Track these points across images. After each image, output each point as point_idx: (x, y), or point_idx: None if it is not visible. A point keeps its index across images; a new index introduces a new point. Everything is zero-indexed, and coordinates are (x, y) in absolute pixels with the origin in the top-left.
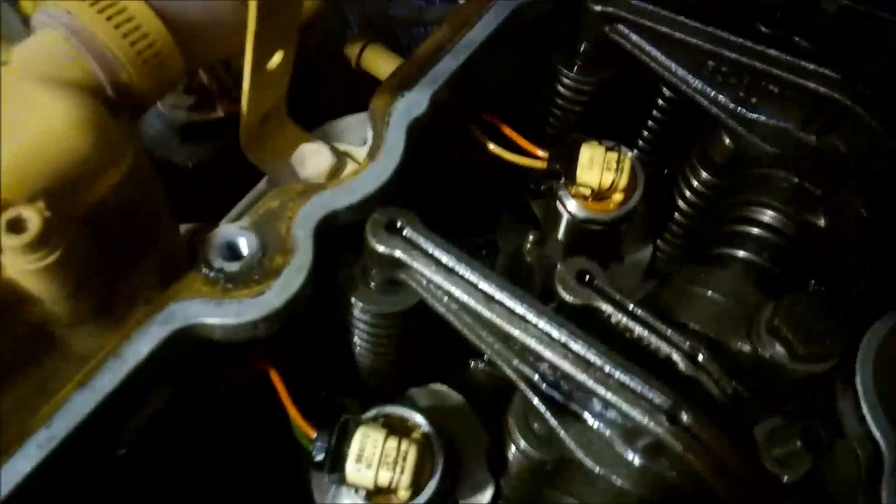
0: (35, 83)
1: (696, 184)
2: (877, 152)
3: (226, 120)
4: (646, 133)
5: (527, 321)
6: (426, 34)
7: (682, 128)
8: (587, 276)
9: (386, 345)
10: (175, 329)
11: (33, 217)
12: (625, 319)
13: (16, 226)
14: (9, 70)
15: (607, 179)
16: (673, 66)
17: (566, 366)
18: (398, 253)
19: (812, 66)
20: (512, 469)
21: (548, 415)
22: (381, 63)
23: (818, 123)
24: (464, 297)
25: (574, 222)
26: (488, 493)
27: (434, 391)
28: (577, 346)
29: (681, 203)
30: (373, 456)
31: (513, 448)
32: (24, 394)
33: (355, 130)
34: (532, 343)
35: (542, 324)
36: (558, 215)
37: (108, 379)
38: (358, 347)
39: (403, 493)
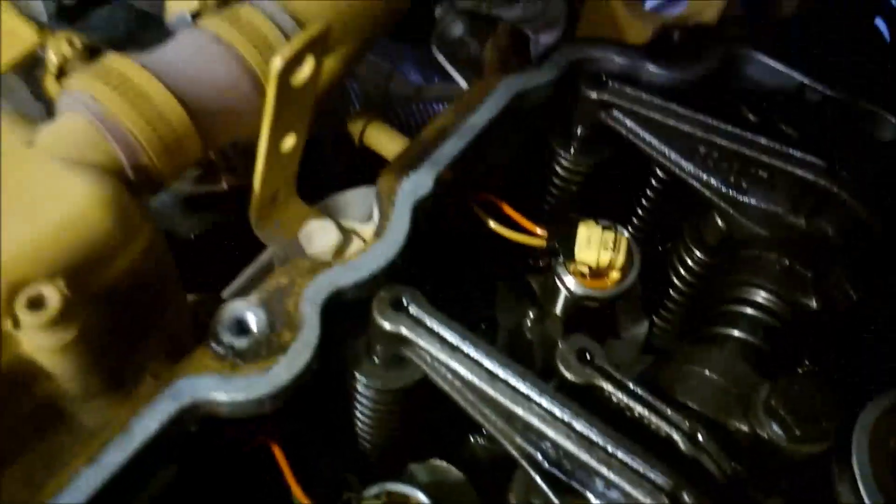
0: (59, 164)
1: (689, 263)
2: (862, 236)
3: (229, 193)
4: (641, 211)
5: (530, 400)
6: (424, 111)
7: (676, 207)
8: (588, 355)
9: (388, 419)
10: (184, 405)
11: (53, 295)
12: (625, 399)
13: (36, 303)
14: (35, 151)
15: (605, 258)
16: (666, 150)
17: (569, 445)
18: (403, 330)
19: (798, 154)
20: None
21: (550, 493)
22: (383, 140)
23: (806, 208)
24: (467, 375)
25: (572, 299)
26: None
27: (434, 467)
28: (579, 426)
29: (675, 281)
30: None
31: None
32: (32, 468)
33: (358, 204)
34: (535, 421)
35: (545, 402)
36: (557, 291)
37: (117, 455)
38: (360, 421)
39: None
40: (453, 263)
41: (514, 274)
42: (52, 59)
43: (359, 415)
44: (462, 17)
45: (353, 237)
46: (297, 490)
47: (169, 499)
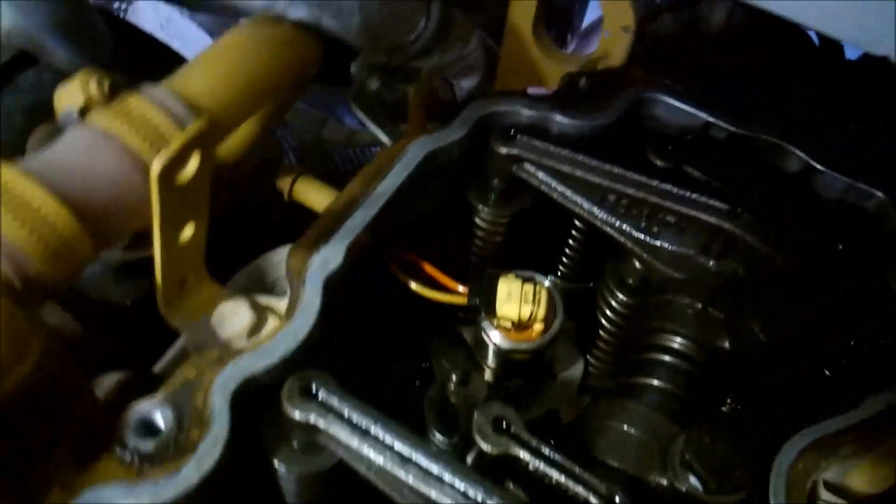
0: None
1: (613, 304)
2: (769, 275)
3: None
4: (567, 253)
5: (442, 481)
6: (360, 155)
7: (599, 248)
8: (504, 423)
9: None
10: None
11: None
12: (542, 466)
13: None
14: None
15: (525, 312)
16: (578, 199)
17: None
18: (313, 418)
19: (703, 199)
20: None
21: None
22: (312, 194)
23: (715, 250)
24: (379, 460)
25: (500, 352)
26: None
27: None
28: (491, 501)
29: (603, 321)
30: None
31: None
32: None
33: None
34: (448, 503)
35: (458, 483)
36: (485, 345)
37: None
38: None
39: None
40: (381, 323)
41: (444, 327)
42: None
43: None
44: (377, 72)
45: (268, 315)
46: None
47: None
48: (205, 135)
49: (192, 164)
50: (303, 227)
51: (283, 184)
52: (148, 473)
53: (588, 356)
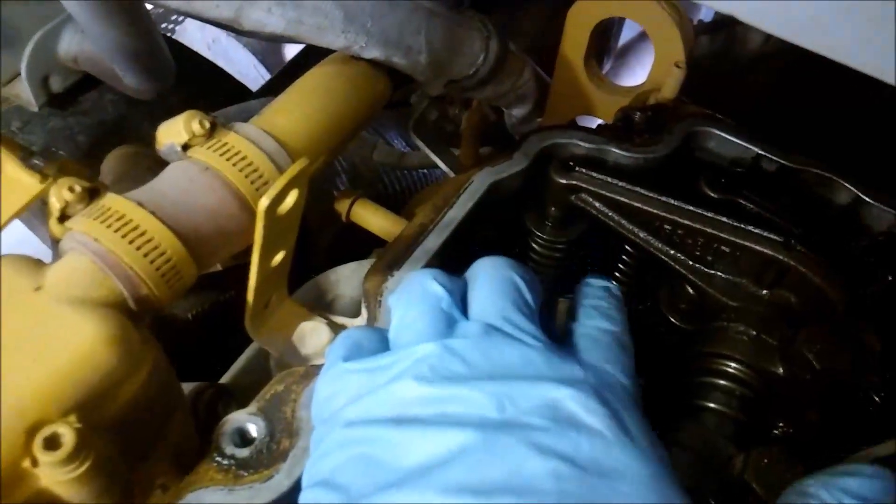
0: (66, 305)
1: (665, 328)
2: (822, 305)
3: (225, 272)
4: (620, 278)
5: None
6: (408, 176)
7: (652, 273)
8: None
9: None
10: None
11: (67, 433)
12: None
13: (52, 443)
14: (42, 295)
15: None
16: (634, 228)
17: None
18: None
19: (756, 230)
20: None
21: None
22: (369, 216)
23: (768, 280)
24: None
25: None
26: None
27: None
28: None
29: (656, 344)
30: None
31: None
32: None
33: (348, 280)
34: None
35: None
36: None
37: None
38: None
39: None
40: None
41: None
42: (55, 203)
43: None
44: (435, 103)
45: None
46: None
47: None
48: (302, 174)
49: (290, 199)
50: (350, 249)
51: (342, 206)
52: (244, 479)
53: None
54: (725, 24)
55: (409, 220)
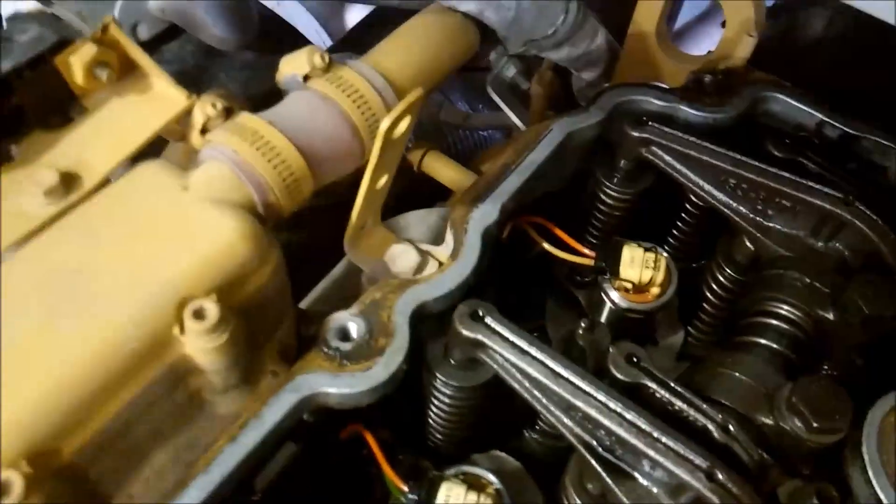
0: (209, 204)
1: (721, 279)
2: (874, 260)
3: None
4: (677, 233)
5: (588, 394)
6: (471, 137)
7: (709, 229)
8: (635, 359)
9: (459, 415)
10: (303, 396)
11: (212, 307)
12: (667, 395)
13: (199, 314)
14: (190, 194)
15: (646, 276)
16: (700, 181)
17: (621, 431)
18: (480, 337)
19: (816, 186)
20: None
21: (603, 474)
22: (440, 167)
23: (825, 233)
24: (535, 374)
25: (616, 311)
26: None
27: (494, 456)
28: (630, 416)
29: (709, 295)
30: None
31: None
32: (178, 449)
33: (416, 226)
34: (592, 412)
35: (601, 396)
36: (602, 304)
37: (253, 436)
38: (433, 417)
39: None
40: (509, 282)
41: (556, 292)
42: (198, 118)
43: (433, 411)
44: (514, 60)
45: (428, 259)
46: (387, 469)
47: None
48: (416, 103)
49: (403, 125)
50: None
51: (414, 156)
52: (347, 368)
53: (689, 328)
54: (787, 9)
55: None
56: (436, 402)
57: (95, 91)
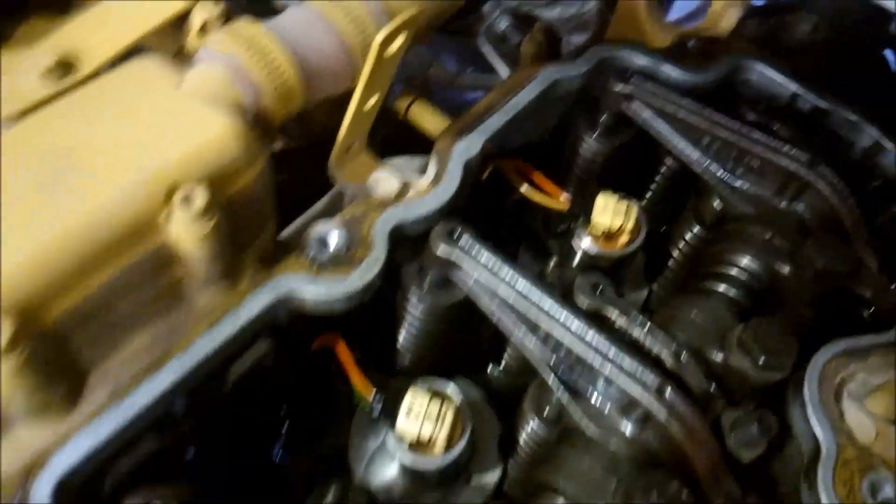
0: (202, 101)
1: (688, 236)
2: (832, 222)
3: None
4: (648, 196)
5: (551, 315)
6: (458, 97)
7: (679, 189)
8: (599, 288)
9: (429, 336)
10: (280, 294)
11: (201, 194)
12: (626, 323)
13: (188, 200)
14: (183, 91)
15: (616, 222)
16: (675, 138)
17: (580, 350)
18: (454, 256)
19: (785, 148)
20: (520, 452)
21: (560, 391)
22: (426, 116)
23: (788, 193)
24: (503, 294)
25: (587, 257)
26: (496, 474)
27: (459, 381)
28: (589, 336)
29: (674, 252)
30: (420, 412)
31: (525, 428)
32: (156, 335)
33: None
34: (554, 332)
35: (563, 318)
36: (573, 251)
37: (228, 328)
38: (404, 338)
39: (439, 448)
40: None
41: (529, 243)
42: (198, 19)
43: (403, 333)
44: (506, 15)
45: (409, 187)
46: (354, 371)
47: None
48: (413, 20)
49: (397, 42)
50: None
51: (401, 104)
52: (324, 273)
53: (653, 287)
54: (776, 10)
55: None
56: (406, 322)
57: None
